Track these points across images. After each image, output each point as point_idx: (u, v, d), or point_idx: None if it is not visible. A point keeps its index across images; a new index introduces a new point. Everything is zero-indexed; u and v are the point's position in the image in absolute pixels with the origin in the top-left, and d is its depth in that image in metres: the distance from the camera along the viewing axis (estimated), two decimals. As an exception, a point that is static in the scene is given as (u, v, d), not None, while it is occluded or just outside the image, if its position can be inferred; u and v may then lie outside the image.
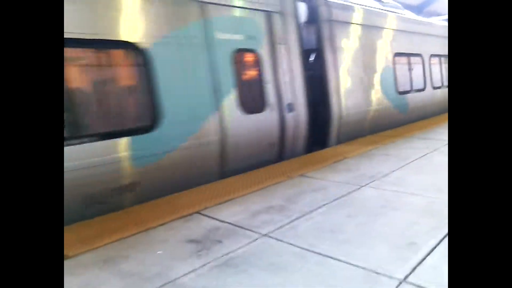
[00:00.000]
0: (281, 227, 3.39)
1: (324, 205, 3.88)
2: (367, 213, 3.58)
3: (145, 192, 4.36)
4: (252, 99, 5.71)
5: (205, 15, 5.05)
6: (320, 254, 2.86)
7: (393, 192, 4.14)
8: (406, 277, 2.44)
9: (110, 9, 4.15)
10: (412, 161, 5.42)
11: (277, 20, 6.06)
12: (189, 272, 2.70)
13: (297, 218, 3.57)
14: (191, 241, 3.21)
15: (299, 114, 6.40)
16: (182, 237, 3.28)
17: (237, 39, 5.45)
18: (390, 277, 2.45)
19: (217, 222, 3.58)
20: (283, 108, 6.09)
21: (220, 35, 5.22)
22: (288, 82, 6.20)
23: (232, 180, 4.90)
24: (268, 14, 5.95)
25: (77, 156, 3.83)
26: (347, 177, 4.87)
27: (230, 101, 5.30)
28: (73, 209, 3.75)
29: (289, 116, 6.19)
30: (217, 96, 5.13)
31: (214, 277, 2.62)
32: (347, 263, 2.69)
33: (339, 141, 7.32)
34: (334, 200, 4.02)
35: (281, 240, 3.14)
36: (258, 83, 5.79)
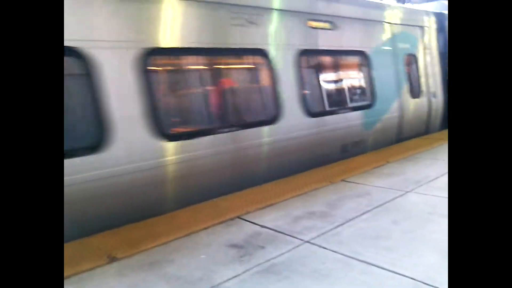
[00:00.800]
0: (324, 233, 3.34)
1: (368, 211, 3.78)
2: (414, 220, 3.44)
3: (367, 145, 6.83)
4: (414, 88, 7.95)
5: (393, 32, 7.49)
6: (364, 262, 2.78)
7: (441, 198, 3.95)
8: (459, 288, 2.32)
9: (358, 32, 6.81)
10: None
11: (426, 32, 8.41)
12: (232, 278, 2.71)
13: (340, 224, 3.50)
14: (233, 246, 3.23)
15: (439, 100, 8.66)
16: (225, 242, 3.31)
17: (407, 47, 7.84)
18: (441, 289, 2.34)
19: (258, 227, 3.58)
20: (430, 95, 8.38)
21: (400, 45, 7.63)
22: (432, 76, 8.48)
23: (273, 185, 4.90)
24: (421, 29, 8.30)
25: (336, 121, 6.21)
26: (391, 182, 4.71)
27: (405, 90, 7.63)
28: (336, 152, 6.22)
29: (433, 101, 8.48)
30: (398, 86, 7.50)
31: (256, 283, 2.62)
32: (393, 272, 2.60)
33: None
34: (378, 205, 3.90)
35: (324, 247, 3.09)
36: (417, 77, 8.07)
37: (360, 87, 6.86)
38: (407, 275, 2.54)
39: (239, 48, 4.99)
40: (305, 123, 5.66)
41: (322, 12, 6.05)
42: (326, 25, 6.14)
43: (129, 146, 4.00)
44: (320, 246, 3.11)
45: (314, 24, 5.92)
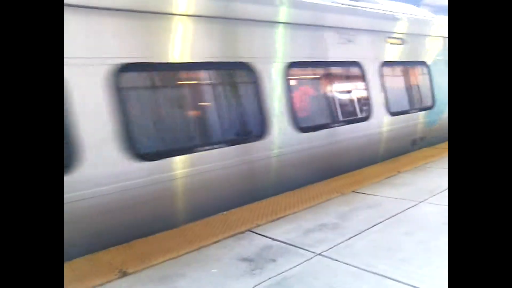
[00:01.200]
0: (335, 245, 3.29)
1: (380, 222, 3.72)
2: (428, 231, 3.38)
3: (428, 141, 7.71)
4: None
5: (441, 44, 8.41)
6: (378, 274, 2.73)
7: (455, 208, 3.88)
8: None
9: (421, 46, 8.04)
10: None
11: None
12: (244, 292, 2.68)
13: (352, 236, 3.45)
14: (244, 259, 3.20)
15: None
16: (235, 255, 3.28)
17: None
18: (459, 301, 2.27)
19: (269, 240, 3.55)
20: None
21: (445, 55, 8.43)
22: None
23: (282, 197, 4.86)
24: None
25: (408, 119, 7.31)
26: (403, 192, 4.65)
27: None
28: (407, 146, 7.28)
29: None
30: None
31: (269, 297, 2.58)
32: (408, 284, 2.54)
33: None
34: (391, 217, 3.84)
35: (336, 260, 3.04)
36: None
37: (424, 91, 8.06)
38: (422, 287, 2.48)
39: (343, 61, 6.31)
40: (388, 120, 6.84)
41: (395, 30, 7.34)
42: (398, 41, 7.43)
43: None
44: (332, 259, 3.06)
45: (390, 40, 7.23)
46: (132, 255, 3.42)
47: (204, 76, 4.82)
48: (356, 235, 3.48)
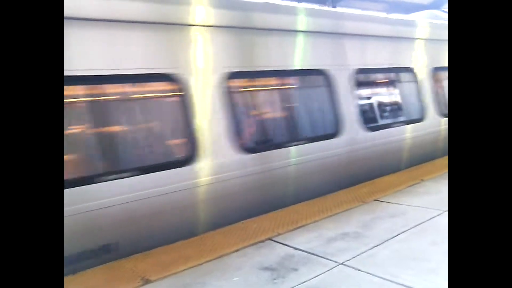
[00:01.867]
0: (358, 255, 3.23)
1: (404, 231, 3.64)
2: (454, 241, 3.28)
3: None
4: None
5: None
6: (403, 285, 2.66)
7: (482, 217, 3.76)
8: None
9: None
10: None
11: None
12: (266, 301, 2.65)
13: (375, 246, 3.38)
14: (266, 268, 3.17)
15: None
16: (256, 264, 3.26)
17: None
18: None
19: (290, 249, 3.51)
20: None
21: None
22: None
23: (302, 206, 4.81)
24: None
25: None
26: (427, 201, 4.54)
27: None
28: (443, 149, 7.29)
29: None
30: None
31: (291, 306, 2.55)
32: (436, 296, 2.46)
33: None
34: (415, 226, 3.75)
35: (359, 269, 2.98)
36: None
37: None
38: (451, 299, 2.39)
39: (398, 67, 6.86)
40: (437, 122, 7.31)
41: (441, 38, 7.58)
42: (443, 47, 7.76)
43: None
44: (355, 268, 3.00)
45: (436, 47, 7.59)
46: (153, 263, 3.43)
47: (291, 81, 5.64)
48: (379, 244, 3.40)
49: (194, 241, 3.93)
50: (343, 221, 4.14)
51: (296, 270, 3.08)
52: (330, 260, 3.19)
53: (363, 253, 3.26)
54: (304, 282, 2.86)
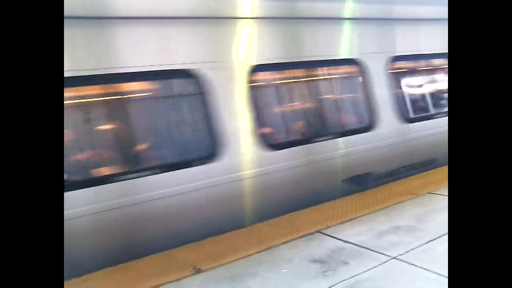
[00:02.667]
0: (412, 249, 3.10)
1: (462, 226, 3.44)
2: (520, 236, 3.05)
3: None
4: None
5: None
6: (463, 282, 2.51)
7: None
8: None
9: None
10: None
11: None
12: (316, 293, 2.63)
13: (430, 240, 3.23)
14: (315, 261, 3.14)
15: None
16: (306, 257, 3.24)
17: None
18: None
19: (340, 242, 3.45)
20: None
21: None
22: None
23: (353, 199, 4.71)
24: None
25: None
26: (487, 194, 4.26)
27: None
28: None
29: None
30: None
31: (342, 300, 2.51)
32: (500, 294, 2.30)
33: None
34: (474, 220, 3.54)
35: (413, 264, 2.87)
36: None
37: None
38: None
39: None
40: None
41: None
42: None
43: None
44: (409, 263, 2.89)
45: None
46: (204, 253, 3.52)
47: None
48: (435, 239, 3.25)
49: (243, 232, 3.98)
50: (395, 214, 4.00)
51: (346, 263, 3.03)
52: (382, 254, 3.10)
53: (417, 247, 3.14)
54: (355, 275, 2.80)
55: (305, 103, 5.13)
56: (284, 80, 5.12)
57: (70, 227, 3.23)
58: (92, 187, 3.50)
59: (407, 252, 3.07)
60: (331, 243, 3.45)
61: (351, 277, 2.79)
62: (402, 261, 2.94)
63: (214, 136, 4.15)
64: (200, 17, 4.20)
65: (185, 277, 3.09)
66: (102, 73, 3.64)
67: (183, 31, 4.11)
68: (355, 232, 3.62)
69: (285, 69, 4.93)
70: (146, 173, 3.76)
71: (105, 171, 3.70)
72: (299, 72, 5.11)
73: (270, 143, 4.52)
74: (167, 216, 3.85)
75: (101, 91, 3.79)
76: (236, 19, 4.45)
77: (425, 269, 2.76)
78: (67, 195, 3.26)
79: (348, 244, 3.38)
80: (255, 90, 4.49)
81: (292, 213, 4.38)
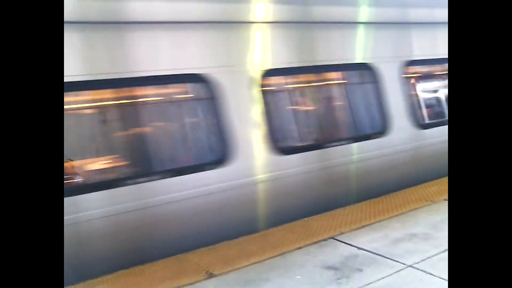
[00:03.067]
0: (428, 257, 3.05)
1: (479, 234, 3.37)
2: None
3: None
4: None
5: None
6: (481, 292, 2.46)
7: None
8: None
9: None
10: None
11: None
12: (330, 301, 2.60)
13: (447, 249, 3.17)
14: (329, 267, 3.11)
15: None
16: (319, 263, 3.21)
17: None
18: None
19: (354, 249, 3.41)
20: None
21: None
22: None
23: (367, 205, 4.66)
24: None
25: None
26: (506, 202, 4.17)
27: None
28: None
29: None
30: None
31: (357, 308, 2.47)
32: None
33: None
34: (492, 229, 3.46)
35: (430, 273, 2.82)
36: None
37: None
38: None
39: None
40: None
41: None
42: None
43: None
44: (425, 272, 2.84)
45: None
46: (217, 258, 3.52)
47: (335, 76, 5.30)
48: (452, 247, 3.19)
49: (256, 237, 3.97)
50: (410, 221, 3.94)
51: (360, 270, 2.99)
52: (398, 261, 3.06)
53: (434, 256, 3.08)
54: (370, 283, 2.77)
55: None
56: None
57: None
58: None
59: (423, 260, 3.02)
60: (344, 250, 3.41)
61: (366, 285, 2.75)
62: (418, 269, 2.90)
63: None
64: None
65: (198, 281, 3.09)
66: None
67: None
68: (369, 239, 3.58)
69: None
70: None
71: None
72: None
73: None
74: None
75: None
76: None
77: (442, 278, 2.71)
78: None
79: (362, 251, 3.34)
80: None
81: (305, 219, 4.35)
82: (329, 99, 5.34)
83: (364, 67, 5.25)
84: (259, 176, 4.34)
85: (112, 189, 3.56)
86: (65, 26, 2.58)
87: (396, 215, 4.16)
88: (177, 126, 4.28)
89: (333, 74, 5.33)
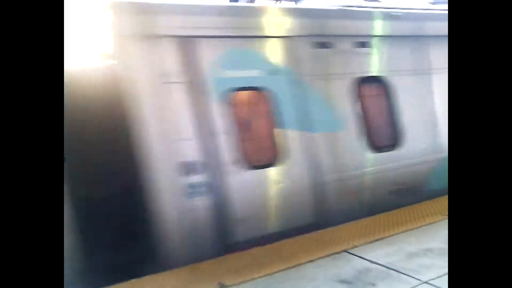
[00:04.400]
0: (445, 274, 2.97)
1: (498, 250, 3.28)
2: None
3: None
4: None
5: None
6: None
7: None
8: None
9: None
10: None
11: None
12: (343, 315, 2.55)
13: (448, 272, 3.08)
14: (342, 281, 3.06)
15: None
16: (332, 276, 3.16)
17: None
18: None
19: (367, 263, 3.35)
20: None
21: None
22: None
23: (380, 218, 4.58)
24: None
25: None
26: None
27: None
28: None
29: None
30: None
31: (370, 324, 2.42)
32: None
33: None
34: None
35: (446, 290, 2.74)
36: None
37: None
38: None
39: None
40: None
41: None
42: None
43: None
44: (442, 289, 2.77)
45: None
46: (229, 269, 3.50)
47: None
48: (469, 263, 3.10)
49: (268, 249, 3.94)
50: (426, 235, 3.86)
51: (373, 285, 2.94)
52: (412, 277, 2.99)
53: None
54: (384, 298, 2.71)
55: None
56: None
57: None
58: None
59: (439, 276, 2.95)
60: (358, 263, 3.36)
61: (379, 300, 2.70)
62: (434, 286, 2.82)
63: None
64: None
65: (210, 292, 3.08)
66: None
67: None
68: (383, 253, 3.52)
69: None
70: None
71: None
72: None
73: None
74: None
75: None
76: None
77: (459, 295, 2.63)
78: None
79: (375, 265, 3.28)
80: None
81: (318, 231, 4.31)
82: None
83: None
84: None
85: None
86: None
87: (411, 229, 4.08)
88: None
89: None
